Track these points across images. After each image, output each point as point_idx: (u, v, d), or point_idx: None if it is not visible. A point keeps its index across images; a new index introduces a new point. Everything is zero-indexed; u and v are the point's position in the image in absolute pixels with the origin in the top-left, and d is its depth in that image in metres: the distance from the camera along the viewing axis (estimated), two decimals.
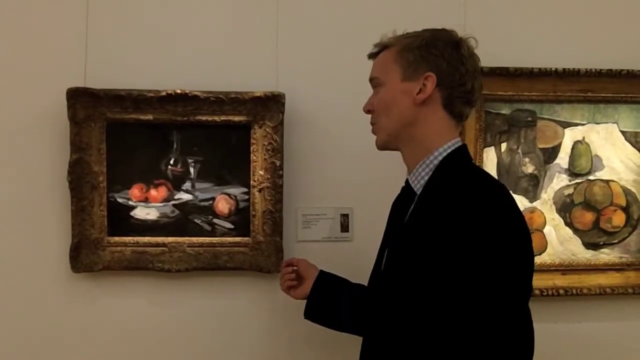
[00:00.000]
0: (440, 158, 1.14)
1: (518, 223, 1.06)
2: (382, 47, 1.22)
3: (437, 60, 1.15)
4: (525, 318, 1.04)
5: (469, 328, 1.00)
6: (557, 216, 1.69)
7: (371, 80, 1.23)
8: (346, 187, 1.65)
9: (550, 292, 1.63)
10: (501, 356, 1.00)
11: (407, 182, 1.21)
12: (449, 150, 1.15)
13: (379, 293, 1.18)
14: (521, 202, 1.67)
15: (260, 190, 1.60)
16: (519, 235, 1.05)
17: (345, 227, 1.65)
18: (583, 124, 1.70)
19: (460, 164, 1.15)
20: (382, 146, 1.23)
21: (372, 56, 1.24)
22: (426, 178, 1.14)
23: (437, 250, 1.03)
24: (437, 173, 1.13)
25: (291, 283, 1.38)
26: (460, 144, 1.17)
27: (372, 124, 1.24)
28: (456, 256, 1.00)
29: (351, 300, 1.28)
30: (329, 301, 1.30)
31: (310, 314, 1.30)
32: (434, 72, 1.14)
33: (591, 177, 1.70)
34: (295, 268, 1.39)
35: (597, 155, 1.70)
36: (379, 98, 1.20)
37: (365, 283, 1.32)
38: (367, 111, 1.24)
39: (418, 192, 1.15)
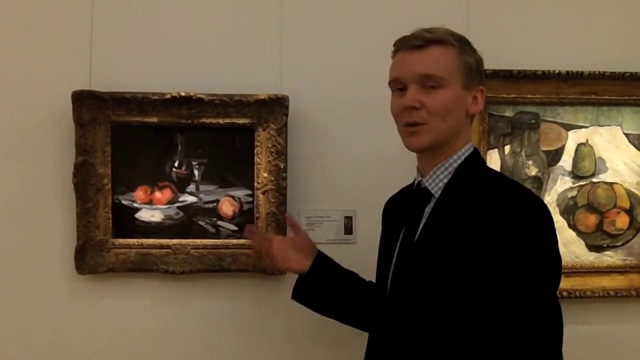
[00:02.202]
0: (459, 161, 1.15)
1: (550, 220, 1.09)
2: (435, 41, 1.13)
3: (484, 74, 1.18)
4: (558, 312, 1.06)
5: (507, 323, 1.01)
6: (560, 218, 1.69)
7: (428, 77, 1.11)
8: (350, 190, 1.65)
9: None
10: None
11: (418, 184, 1.21)
12: (466, 154, 1.16)
13: (405, 292, 1.15)
14: None
15: (264, 193, 1.60)
16: (551, 231, 1.08)
17: (348, 230, 1.66)
18: (586, 127, 1.69)
19: (479, 167, 1.17)
20: (422, 149, 1.15)
21: (418, 47, 1.13)
22: (445, 181, 1.15)
23: (476, 248, 1.03)
24: (457, 176, 1.14)
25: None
26: (473, 147, 1.19)
27: (416, 123, 1.13)
28: (496, 253, 1.02)
29: (355, 290, 1.30)
30: (327, 285, 1.30)
31: (303, 295, 1.31)
32: (483, 85, 1.17)
33: (595, 180, 1.70)
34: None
35: (600, 158, 1.70)
36: (441, 101, 1.11)
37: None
38: (412, 107, 1.12)
39: (436, 195, 1.15)
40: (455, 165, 1.15)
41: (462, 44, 1.15)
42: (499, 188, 1.10)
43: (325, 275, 1.32)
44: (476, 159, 1.18)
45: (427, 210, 1.15)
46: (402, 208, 1.26)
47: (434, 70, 1.11)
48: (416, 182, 1.22)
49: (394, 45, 1.19)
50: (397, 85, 1.16)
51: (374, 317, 1.21)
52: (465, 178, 1.14)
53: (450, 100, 1.12)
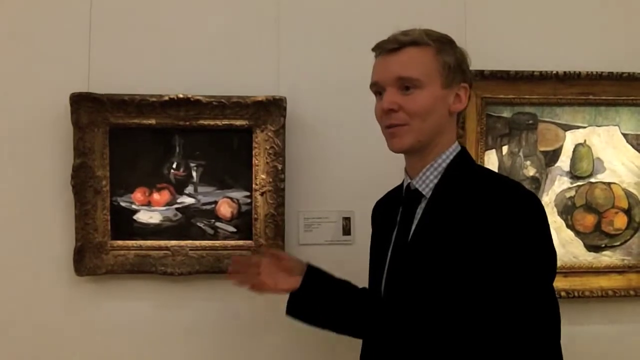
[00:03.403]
0: (447, 161, 1.16)
1: (542, 212, 1.08)
2: (410, 43, 1.13)
3: (469, 71, 1.18)
4: (555, 304, 1.05)
5: (505, 318, 1.01)
6: (558, 219, 1.69)
7: (403, 79, 1.12)
8: (348, 191, 1.65)
9: None
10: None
11: (407, 186, 1.21)
12: (454, 153, 1.17)
13: (400, 292, 1.14)
14: None
15: (262, 194, 1.60)
16: (544, 224, 1.08)
17: (347, 231, 1.66)
18: (584, 127, 1.70)
19: (468, 165, 1.18)
20: (404, 150, 1.16)
21: (393, 50, 1.14)
22: (435, 181, 1.15)
23: (470, 245, 1.04)
24: (447, 176, 1.15)
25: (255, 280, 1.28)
26: (460, 146, 1.19)
27: (394, 124, 1.14)
28: (490, 249, 1.02)
29: (350, 298, 1.23)
30: (320, 297, 1.23)
31: (298, 310, 1.22)
32: (467, 82, 1.17)
33: (593, 180, 1.70)
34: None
35: (598, 158, 1.70)
36: (419, 102, 1.12)
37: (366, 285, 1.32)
38: (390, 110, 1.13)
39: (427, 195, 1.15)
40: (444, 165, 1.16)
41: (439, 43, 1.14)
42: (489, 185, 1.11)
43: (318, 288, 1.24)
44: (464, 158, 1.18)
45: (419, 210, 1.16)
46: (391, 210, 1.25)
47: (409, 72, 1.12)
48: (405, 184, 1.22)
49: (373, 50, 1.20)
50: (377, 89, 1.18)
51: (370, 319, 1.19)
52: (455, 177, 1.14)
53: (429, 101, 1.12)
